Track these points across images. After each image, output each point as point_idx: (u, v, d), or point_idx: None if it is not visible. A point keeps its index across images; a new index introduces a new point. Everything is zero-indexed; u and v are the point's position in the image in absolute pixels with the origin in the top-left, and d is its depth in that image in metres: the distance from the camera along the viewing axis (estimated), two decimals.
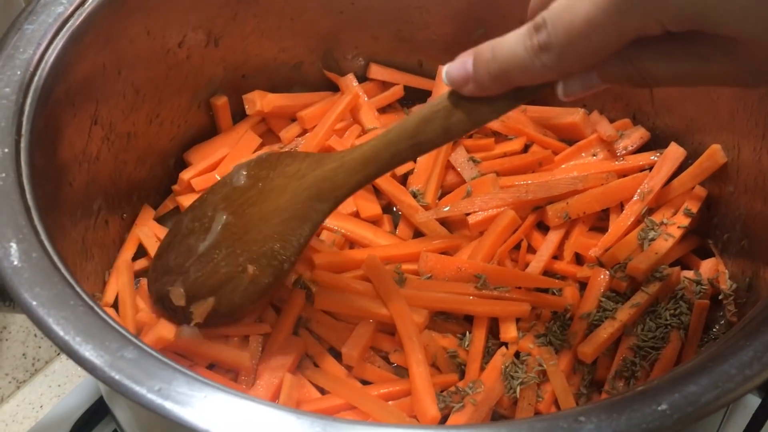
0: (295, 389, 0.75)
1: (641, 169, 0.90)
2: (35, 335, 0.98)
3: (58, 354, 0.99)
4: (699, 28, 0.48)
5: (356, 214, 0.91)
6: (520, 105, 0.63)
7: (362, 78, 1.02)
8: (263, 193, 0.75)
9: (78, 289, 0.60)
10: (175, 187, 0.94)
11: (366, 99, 0.99)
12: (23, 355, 0.97)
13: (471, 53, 0.59)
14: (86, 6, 0.76)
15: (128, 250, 0.88)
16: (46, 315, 0.57)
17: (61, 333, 0.56)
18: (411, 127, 0.66)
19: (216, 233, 0.76)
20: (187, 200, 0.91)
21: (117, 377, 0.54)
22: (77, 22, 0.75)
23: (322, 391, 0.78)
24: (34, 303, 0.58)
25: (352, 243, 0.90)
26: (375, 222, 0.91)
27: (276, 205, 0.74)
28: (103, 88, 0.81)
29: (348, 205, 0.91)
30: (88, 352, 0.55)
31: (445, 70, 0.61)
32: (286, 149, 0.95)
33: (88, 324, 0.57)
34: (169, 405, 0.53)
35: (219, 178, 0.91)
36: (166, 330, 0.76)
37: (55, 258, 0.61)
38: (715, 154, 0.85)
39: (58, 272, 0.60)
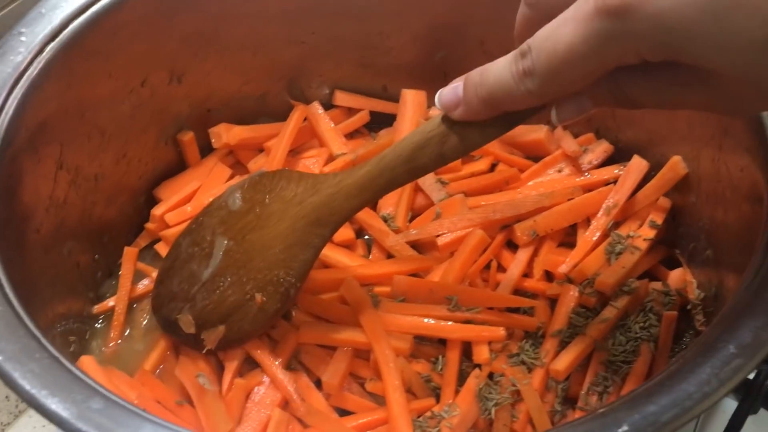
0: (283, 425, 0.75)
1: (606, 183, 0.91)
2: None
3: None
4: (676, 58, 0.49)
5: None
6: (511, 130, 0.64)
7: (328, 105, 1.02)
8: (262, 219, 0.77)
9: (44, 341, 0.60)
10: (149, 225, 0.94)
11: (333, 125, 0.99)
12: (6, 397, 0.97)
13: (462, 78, 0.60)
14: (44, 53, 0.77)
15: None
16: (12, 369, 0.57)
17: (27, 387, 0.57)
18: (406, 154, 0.68)
19: (218, 259, 0.77)
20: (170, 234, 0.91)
21: (84, 428, 0.55)
22: (36, 71, 0.76)
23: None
24: (0, 358, 0.58)
25: (327, 267, 0.89)
26: (349, 246, 0.92)
27: (277, 231, 0.76)
28: (67, 133, 0.82)
29: None
30: (54, 404, 0.56)
31: (438, 95, 0.62)
32: None
33: (54, 376, 0.57)
34: None
35: (189, 211, 0.92)
36: None
37: (20, 310, 0.62)
38: (676, 165, 0.86)
39: (23, 325, 0.61)
